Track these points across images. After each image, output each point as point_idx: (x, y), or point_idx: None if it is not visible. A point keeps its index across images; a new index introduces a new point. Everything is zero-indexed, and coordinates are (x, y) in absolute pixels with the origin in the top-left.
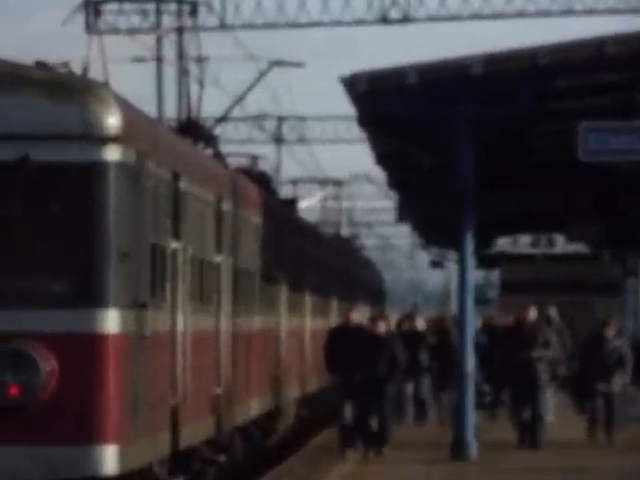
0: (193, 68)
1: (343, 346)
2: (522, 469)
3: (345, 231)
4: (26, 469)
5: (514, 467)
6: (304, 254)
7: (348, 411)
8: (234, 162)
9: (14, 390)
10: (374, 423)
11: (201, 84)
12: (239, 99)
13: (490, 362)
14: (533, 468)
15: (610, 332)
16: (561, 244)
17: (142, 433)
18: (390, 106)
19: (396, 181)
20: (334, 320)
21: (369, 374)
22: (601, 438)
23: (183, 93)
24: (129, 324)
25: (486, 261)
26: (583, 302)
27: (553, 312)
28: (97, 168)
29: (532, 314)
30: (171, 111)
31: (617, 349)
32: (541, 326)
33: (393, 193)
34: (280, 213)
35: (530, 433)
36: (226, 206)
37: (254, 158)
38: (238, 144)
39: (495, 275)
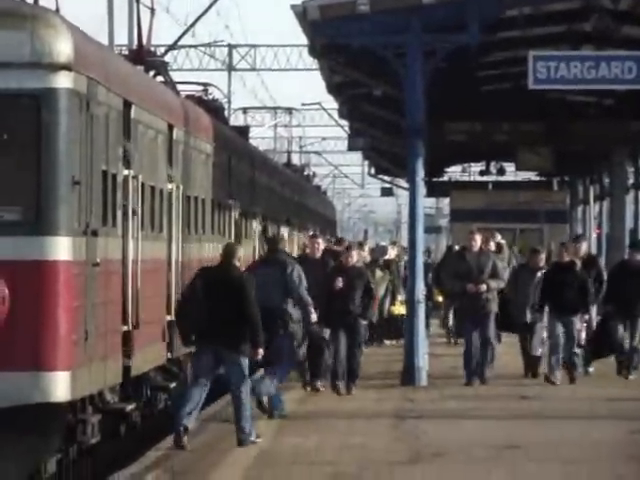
0: None
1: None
2: (470, 396)
3: (296, 159)
4: None
5: (461, 394)
6: (255, 182)
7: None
8: (185, 90)
9: None
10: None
11: (152, 12)
12: (190, 27)
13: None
14: (477, 395)
15: (539, 263)
16: (511, 173)
17: (93, 360)
18: (342, 35)
19: (348, 110)
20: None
21: (343, 309)
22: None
23: (134, 21)
24: (80, 251)
25: (436, 189)
26: (532, 229)
27: (499, 239)
28: (48, 95)
29: (477, 242)
30: (122, 39)
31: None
32: (489, 255)
33: (345, 121)
34: (232, 141)
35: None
36: (177, 134)
37: (205, 86)
38: (189, 72)
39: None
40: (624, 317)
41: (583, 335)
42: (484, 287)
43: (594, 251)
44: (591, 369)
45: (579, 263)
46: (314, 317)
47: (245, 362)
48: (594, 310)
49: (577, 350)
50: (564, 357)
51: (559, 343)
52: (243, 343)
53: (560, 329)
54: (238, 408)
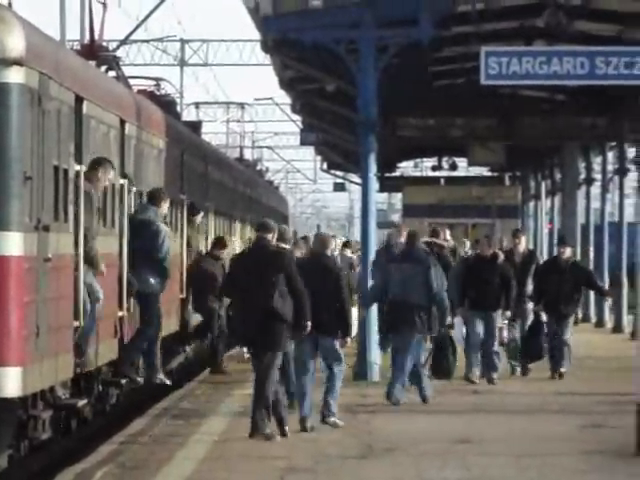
0: None
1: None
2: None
3: (248, 154)
4: None
5: (412, 389)
6: (208, 177)
7: None
8: (137, 85)
9: None
10: None
11: (104, 6)
12: (142, 22)
13: None
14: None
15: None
16: (463, 168)
17: (45, 356)
18: (294, 30)
19: (300, 105)
20: (237, 243)
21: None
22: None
23: (86, 16)
24: (31, 247)
25: (389, 185)
26: (484, 224)
27: (446, 235)
28: None
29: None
30: (74, 34)
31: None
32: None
33: (297, 116)
34: (184, 136)
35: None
36: (129, 129)
37: (157, 81)
38: (141, 67)
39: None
40: (553, 315)
41: (505, 333)
42: None
43: (545, 246)
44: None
45: (502, 256)
46: (449, 319)
47: (338, 345)
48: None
49: (497, 349)
50: (482, 355)
51: (477, 341)
52: (338, 328)
53: (479, 326)
54: (330, 387)
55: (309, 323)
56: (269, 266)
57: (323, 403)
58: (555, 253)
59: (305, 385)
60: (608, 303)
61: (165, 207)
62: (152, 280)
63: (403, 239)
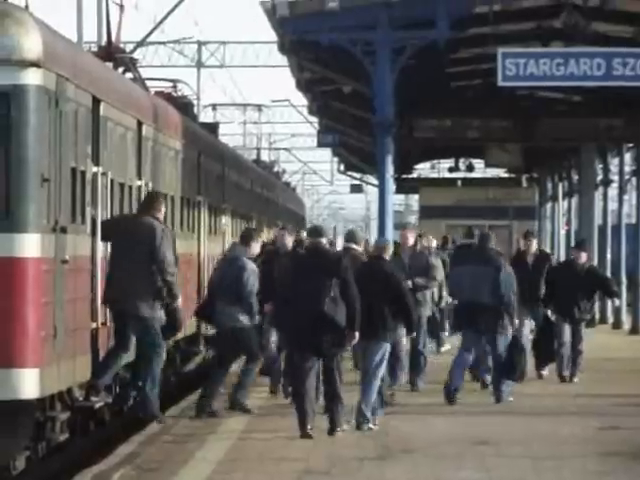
0: None
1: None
2: (440, 392)
3: (265, 156)
4: None
5: (431, 390)
6: (225, 179)
7: None
8: (154, 87)
9: None
10: None
11: (121, 8)
12: (159, 23)
13: None
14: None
15: None
16: (480, 169)
17: (62, 357)
18: (311, 32)
19: (317, 106)
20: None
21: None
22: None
23: (103, 18)
24: (49, 248)
25: (405, 186)
26: (500, 226)
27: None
28: (17, 92)
29: (409, 240)
30: (91, 36)
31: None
32: (423, 253)
33: (314, 118)
34: (201, 138)
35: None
36: (146, 131)
37: (174, 83)
38: (158, 69)
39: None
40: (566, 320)
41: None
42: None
43: (562, 248)
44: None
45: (530, 260)
46: (517, 321)
47: (385, 347)
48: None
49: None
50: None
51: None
52: (388, 331)
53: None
54: (365, 391)
55: (357, 333)
56: (325, 271)
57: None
58: (571, 256)
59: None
60: (616, 305)
61: (255, 247)
62: (241, 316)
63: (410, 243)
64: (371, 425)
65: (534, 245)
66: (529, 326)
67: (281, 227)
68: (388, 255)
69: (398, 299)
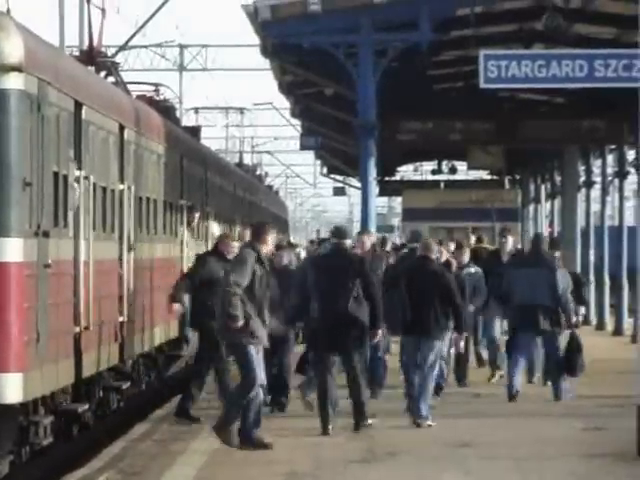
0: None
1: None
2: None
3: (248, 159)
4: None
5: None
6: (207, 182)
7: None
8: (136, 91)
9: None
10: None
11: (103, 12)
12: (140, 27)
13: None
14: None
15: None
16: (463, 171)
17: (45, 361)
18: (293, 35)
19: (299, 109)
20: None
21: None
22: None
23: (84, 22)
24: (31, 253)
25: (388, 188)
26: (484, 228)
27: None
28: None
29: (366, 244)
30: (73, 40)
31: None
32: (381, 257)
33: (297, 121)
34: (183, 141)
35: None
36: (129, 135)
37: (156, 86)
38: (140, 72)
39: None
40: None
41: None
42: None
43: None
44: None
45: (505, 258)
46: (574, 319)
47: (438, 345)
48: None
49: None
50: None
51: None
52: (441, 330)
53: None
54: (422, 389)
55: (380, 331)
56: (348, 271)
57: (413, 405)
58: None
59: (414, 383)
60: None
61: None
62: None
63: (367, 247)
64: (430, 422)
65: (510, 243)
66: (499, 326)
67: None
68: (434, 254)
69: (448, 299)
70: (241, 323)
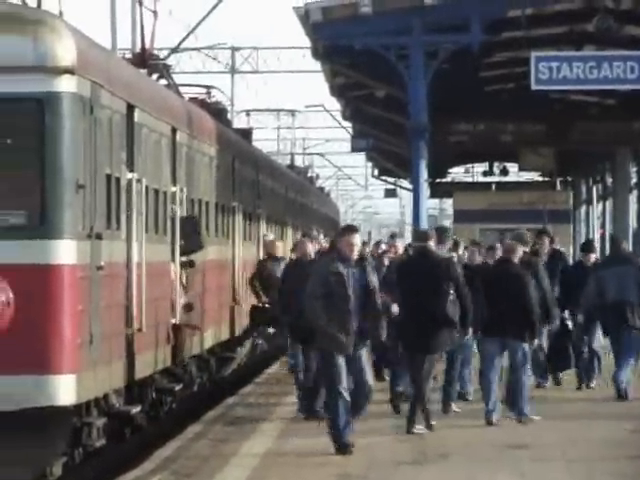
0: None
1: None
2: (474, 397)
3: (299, 161)
4: None
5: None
6: (259, 185)
7: None
8: (188, 93)
9: None
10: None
11: (155, 15)
12: (193, 30)
13: None
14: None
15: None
16: (514, 173)
17: (98, 363)
18: (344, 37)
19: (350, 111)
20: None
21: None
22: None
23: (137, 24)
24: (84, 255)
25: (440, 190)
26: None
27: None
28: (51, 99)
29: (400, 248)
30: (125, 43)
31: None
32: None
33: (348, 123)
34: (235, 143)
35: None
36: (181, 137)
37: (208, 89)
38: (192, 75)
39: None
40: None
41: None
42: None
43: (598, 251)
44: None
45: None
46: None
47: (524, 346)
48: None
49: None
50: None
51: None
52: (525, 331)
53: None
54: (518, 390)
55: (471, 329)
56: (438, 274)
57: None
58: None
59: (492, 382)
60: None
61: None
62: None
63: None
64: (534, 416)
65: (546, 244)
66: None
67: (302, 235)
68: (517, 257)
69: (522, 301)
70: None
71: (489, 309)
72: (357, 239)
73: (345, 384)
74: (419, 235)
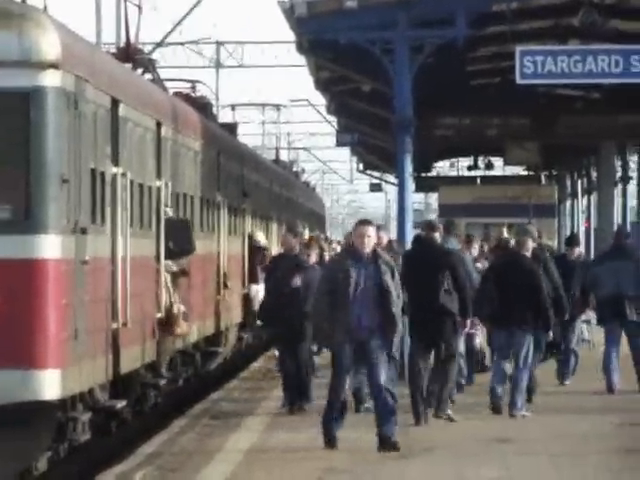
0: None
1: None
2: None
3: (284, 155)
4: None
5: None
6: (244, 179)
7: None
8: (173, 87)
9: None
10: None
11: (139, 10)
12: (177, 24)
13: None
14: (466, 390)
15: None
16: (499, 167)
17: (83, 358)
18: (329, 31)
19: (335, 106)
20: (274, 245)
21: None
22: None
23: (121, 19)
24: (69, 249)
25: (425, 185)
26: (519, 224)
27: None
28: (36, 94)
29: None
30: (110, 37)
31: None
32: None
33: (333, 117)
34: (220, 138)
35: None
36: (166, 131)
37: (193, 83)
38: (177, 69)
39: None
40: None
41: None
42: None
43: (583, 245)
44: None
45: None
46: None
47: (529, 339)
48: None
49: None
50: None
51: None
52: (532, 323)
53: None
54: (517, 383)
55: (469, 321)
56: (438, 264)
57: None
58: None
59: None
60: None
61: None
62: None
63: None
64: (524, 412)
65: (529, 243)
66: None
67: (286, 229)
68: (528, 251)
69: (534, 295)
70: None
71: (500, 302)
72: (370, 231)
73: (345, 382)
74: (427, 224)
